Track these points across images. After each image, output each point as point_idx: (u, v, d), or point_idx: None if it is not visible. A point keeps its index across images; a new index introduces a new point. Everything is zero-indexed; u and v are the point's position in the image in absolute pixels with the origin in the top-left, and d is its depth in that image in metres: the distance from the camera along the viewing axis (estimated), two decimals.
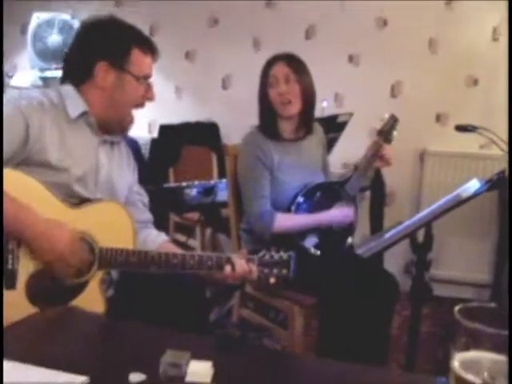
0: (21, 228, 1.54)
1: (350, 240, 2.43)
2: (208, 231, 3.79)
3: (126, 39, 1.75)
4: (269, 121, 2.36)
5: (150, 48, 1.79)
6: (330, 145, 3.25)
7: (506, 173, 1.93)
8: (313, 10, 3.93)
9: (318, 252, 2.31)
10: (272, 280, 1.71)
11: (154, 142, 4.11)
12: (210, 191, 3.08)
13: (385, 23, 3.83)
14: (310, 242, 2.32)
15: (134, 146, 3.98)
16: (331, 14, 3.89)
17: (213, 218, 3.45)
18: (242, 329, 1.29)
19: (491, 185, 1.83)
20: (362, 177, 2.37)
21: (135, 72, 1.74)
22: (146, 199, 1.97)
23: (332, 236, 2.38)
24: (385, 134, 2.31)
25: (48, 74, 4.37)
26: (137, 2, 4.33)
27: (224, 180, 2.85)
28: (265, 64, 2.36)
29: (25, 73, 4.44)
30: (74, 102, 1.73)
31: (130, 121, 1.82)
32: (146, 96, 1.80)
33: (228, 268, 1.68)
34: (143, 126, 4.33)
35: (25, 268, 1.57)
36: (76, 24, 4.36)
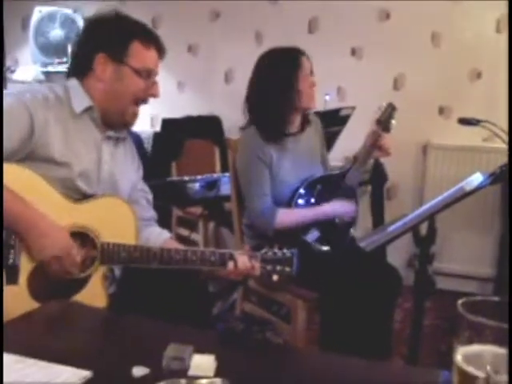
0: (23, 224, 1.54)
1: (352, 231, 2.42)
2: (211, 225, 3.80)
3: (126, 31, 1.75)
4: (281, 116, 2.31)
5: (152, 42, 1.77)
6: (332, 138, 3.25)
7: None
8: (315, 4, 3.92)
9: (321, 247, 2.31)
10: (275, 277, 1.71)
11: (157, 136, 4.11)
12: (212, 185, 3.08)
13: (387, 16, 3.82)
14: (312, 237, 2.31)
15: (136, 140, 3.98)
16: (333, 7, 3.87)
17: (216, 212, 3.45)
18: (245, 322, 1.29)
19: (494, 178, 1.82)
20: (362, 167, 2.36)
21: (134, 64, 1.73)
22: (150, 197, 1.96)
23: (334, 230, 2.38)
24: (383, 123, 2.27)
25: (50, 68, 4.37)
26: None
27: (227, 174, 2.84)
28: (287, 55, 2.29)
29: (27, 67, 4.44)
30: (79, 96, 1.73)
31: (133, 115, 1.80)
32: (150, 92, 1.78)
33: (231, 264, 1.68)
34: (145, 120, 4.32)
35: (27, 263, 1.58)
36: (78, 18, 4.36)
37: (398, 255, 3.43)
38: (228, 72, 4.24)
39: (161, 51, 1.80)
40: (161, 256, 1.66)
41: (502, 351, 0.74)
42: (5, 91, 1.72)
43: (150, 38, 1.77)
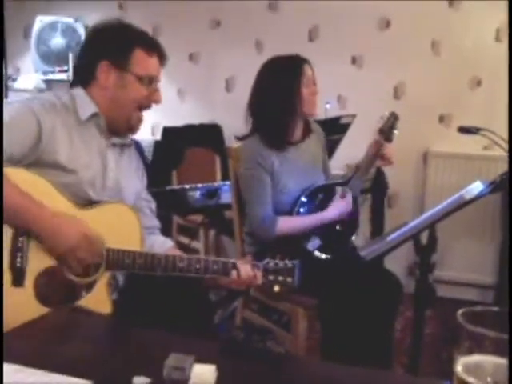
0: (33, 221, 1.55)
1: (353, 238, 2.42)
2: (211, 233, 3.80)
3: (128, 39, 1.77)
4: (283, 123, 2.32)
5: (154, 49, 1.79)
6: (333, 146, 3.26)
7: None
8: (316, 12, 3.93)
9: (322, 255, 2.31)
10: (276, 288, 1.71)
11: (158, 145, 4.11)
12: (213, 193, 3.08)
13: (388, 25, 3.83)
14: (314, 245, 2.31)
15: (137, 148, 3.99)
16: (334, 15, 3.89)
17: (216, 220, 3.45)
18: (245, 332, 1.29)
19: (494, 187, 1.82)
20: (364, 176, 2.37)
21: (137, 71, 1.75)
22: (153, 206, 1.98)
23: (335, 238, 2.38)
24: (385, 132, 2.28)
25: (51, 76, 4.38)
26: (140, 4, 4.34)
27: (227, 182, 2.84)
28: (289, 63, 2.31)
29: (28, 76, 4.46)
30: (85, 103, 1.76)
31: (138, 120, 1.82)
32: (152, 98, 1.80)
33: (234, 273, 1.68)
34: (146, 128, 4.33)
35: (33, 266, 1.58)
36: (79, 27, 4.38)
37: (398, 263, 3.43)
38: (229, 80, 4.25)
39: (162, 58, 1.82)
40: (165, 263, 1.66)
41: (503, 362, 0.74)
42: (13, 99, 1.75)
43: (152, 46, 1.79)
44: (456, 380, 0.79)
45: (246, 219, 2.39)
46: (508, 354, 0.73)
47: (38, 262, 1.59)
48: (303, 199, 2.33)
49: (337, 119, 3.26)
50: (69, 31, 4.39)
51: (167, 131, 4.04)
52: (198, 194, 3.06)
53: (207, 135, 4.12)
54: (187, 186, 3.11)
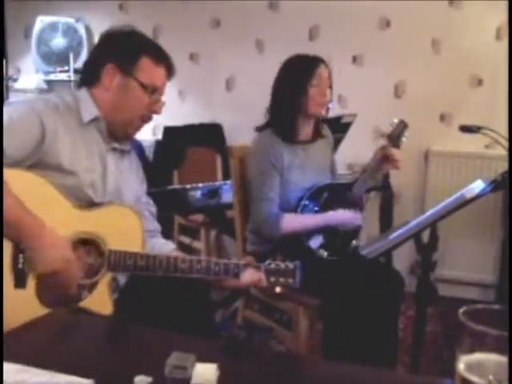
0: (24, 233, 1.53)
1: (354, 243, 2.43)
2: (212, 233, 3.80)
3: (138, 46, 1.77)
4: (291, 120, 2.34)
5: (162, 60, 1.79)
6: (334, 146, 3.26)
7: None
8: (316, 11, 3.93)
9: (324, 253, 2.31)
10: (278, 289, 1.71)
11: (159, 144, 4.12)
12: (214, 193, 3.08)
13: (388, 24, 3.83)
14: (316, 242, 2.31)
15: (138, 148, 4.00)
16: (334, 14, 3.89)
17: (217, 220, 3.45)
18: (247, 331, 1.29)
19: (495, 185, 1.82)
20: (369, 180, 2.39)
21: (142, 79, 1.74)
22: (153, 209, 1.98)
23: (337, 238, 2.38)
24: (394, 139, 2.31)
25: (52, 77, 4.39)
26: (140, 5, 4.34)
27: (229, 182, 2.85)
28: (303, 62, 2.33)
29: (29, 76, 4.46)
30: (88, 106, 1.76)
31: (136, 128, 1.83)
32: (152, 108, 1.80)
33: (237, 276, 1.69)
34: (147, 128, 4.31)
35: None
36: (80, 27, 4.38)
37: (399, 262, 3.43)
38: (229, 80, 4.25)
39: (170, 70, 1.82)
40: (166, 264, 1.67)
41: (505, 359, 0.74)
42: (15, 99, 1.75)
43: (160, 56, 1.79)
44: (458, 378, 0.79)
45: (251, 216, 2.40)
46: (508, 352, 0.73)
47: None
48: (308, 197, 2.33)
49: (338, 119, 3.25)
50: (70, 31, 4.39)
51: (168, 131, 4.04)
52: (199, 193, 3.07)
53: (208, 135, 4.13)
54: (188, 186, 3.11)
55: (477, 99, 3.69)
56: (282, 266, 1.71)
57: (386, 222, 3.41)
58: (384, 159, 2.31)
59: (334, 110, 3.58)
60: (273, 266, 1.71)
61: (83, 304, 1.63)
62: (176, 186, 3.65)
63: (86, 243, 1.67)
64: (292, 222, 2.28)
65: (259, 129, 2.41)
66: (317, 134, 2.46)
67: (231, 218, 2.74)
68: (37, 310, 1.51)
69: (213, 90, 4.30)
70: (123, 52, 1.75)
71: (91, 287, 1.65)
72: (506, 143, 2.72)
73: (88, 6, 4.47)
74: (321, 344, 2.24)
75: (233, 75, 4.24)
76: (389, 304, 2.26)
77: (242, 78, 4.18)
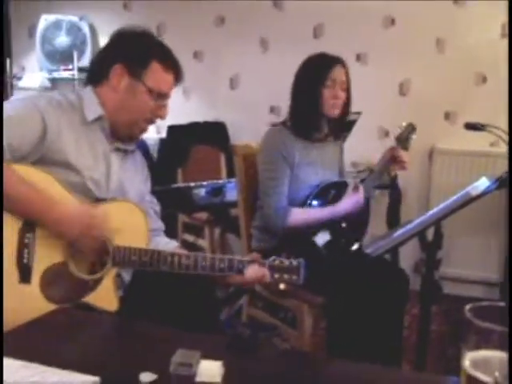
0: (38, 210, 1.57)
1: (356, 245, 2.42)
2: (217, 231, 3.80)
3: (149, 50, 1.76)
4: (306, 119, 2.36)
5: (171, 67, 1.78)
6: None
7: None
8: (320, 10, 3.93)
9: (329, 250, 2.31)
10: (282, 286, 1.71)
11: (163, 143, 4.12)
12: (218, 191, 3.08)
13: (392, 22, 3.83)
14: (322, 239, 2.32)
15: (142, 146, 4.00)
16: (339, 13, 3.89)
17: (221, 218, 3.46)
18: (251, 328, 1.29)
19: (500, 183, 1.82)
20: (377, 179, 2.40)
21: (149, 84, 1.74)
22: (157, 208, 1.98)
23: (343, 233, 2.38)
24: (402, 141, 2.34)
25: (56, 75, 4.40)
26: (144, 3, 4.35)
27: (233, 180, 2.85)
28: (319, 63, 2.34)
29: (33, 75, 4.47)
30: (92, 105, 1.75)
31: (140, 130, 1.83)
32: (157, 113, 1.80)
33: (241, 272, 1.69)
34: (151, 126, 4.33)
35: (40, 263, 1.59)
36: (83, 25, 4.39)
37: (404, 260, 3.43)
38: (233, 78, 4.25)
39: (178, 77, 1.82)
40: (171, 261, 1.67)
41: None
42: (19, 96, 1.75)
43: (170, 62, 1.78)
44: (463, 375, 0.79)
45: (258, 211, 2.40)
46: (508, 349, 0.73)
47: (44, 258, 1.59)
48: (315, 193, 2.34)
49: None
50: (73, 30, 4.39)
51: (172, 129, 4.05)
52: (203, 191, 3.07)
53: (212, 133, 4.13)
54: (192, 184, 3.11)
55: (481, 97, 3.68)
56: (287, 262, 1.71)
57: (394, 222, 3.40)
58: (392, 160, 2.34)
59: None
60: (277, 262, 1.71)
61: (88, 300, 1.63)
62: (180, 184, 3.65)
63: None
64: (299, 216, 2.28)
65: (275, 125, 2.44)
66: (330, 134, 2.46)
67: (235, 216, 2.75)
68: (42, 305, 1.52)
69: (217, 88, 4.30)
70: (134, 54, 1.75)
71: (96, 283, 1.65)
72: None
73: (92, 5, 4.47)
74: (325, 342, 2.24)
75: (237, 74, 4.24)
76: (394, 302, 2.26)
77: (246, 76, 4.18)
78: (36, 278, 1.58)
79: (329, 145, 2.49)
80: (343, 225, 2.38)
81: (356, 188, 2.34)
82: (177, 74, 1.81)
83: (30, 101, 1.69)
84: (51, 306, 1.52)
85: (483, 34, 3.64)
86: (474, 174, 3.23)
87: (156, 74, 1.75)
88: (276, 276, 1.71)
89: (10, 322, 1.33)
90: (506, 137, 2.70)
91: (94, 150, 1.75)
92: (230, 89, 4.27)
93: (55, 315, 1.45)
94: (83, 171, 1.69)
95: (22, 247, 1.57)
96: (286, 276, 1.71)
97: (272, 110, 3.97)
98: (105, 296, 1.65)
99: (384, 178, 2.45)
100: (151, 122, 1.82)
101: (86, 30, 4.39)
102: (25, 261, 1.57)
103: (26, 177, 1.57)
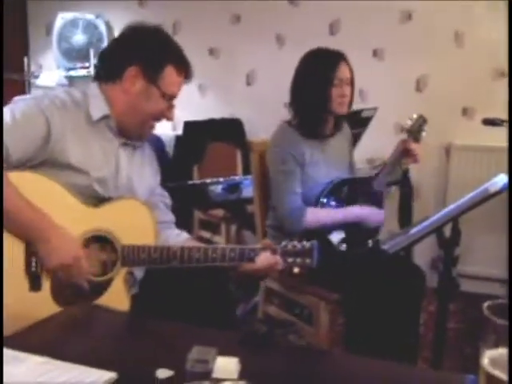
0: (31, 234, 1.55)
1: (370, 242, 2.42)
2: (233, 228, 3.80)
3: (165, 54, 1.74)
4: (316, 117, 2.34)
5: (185, 69, 1.78)
6: (354, 140, 3.23)
7: None
8: (336, 5, 3.91)
9: (344, 247, 2.30)
10: (296, 270, 1.70)
11: (179, 139, 4.13)
12: (234, 188, 3.08)
13: (409, 17, 3.80)
14: (337, 236, 2.31)
15: (157, 143, 4.02)
16: (355, 8, 3.86)
17: (238, 215, 3.46)
18: (267, 325, 1.29)
19: None
20: (390, 174, 2.38)
21: (164, 88, 1.73)
22: (168, 201, 1.97)
23: (359, 231, 2.37)
24: (413, 133, 2.32)
25: (73, 73, 4.43)
26: (160, 1, 4.35)
27: (249, 176, 2.84)
28: (324, 61, 2.31)
29: (50, 72, 4.50)
30: (98, 103, 1.73)
31: (150, 129, 1.83)
32: (166, 114, 1.79)
33: (252, 260, 1.68)
34: (167, 123, 4.34)
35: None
36: (100, 23, 4.41)
37: (421, 257, 3.40)
38: (249, 74, 4.25)
39: (188, 77, 1.81)
40: (181, 255, 1.66)
41: None
42: (23, 96, 1.73)
43: (183, 65, 1.77)
44: (482, 373, 0.78)
45: (272, 211, 2.40)
46: (508, 347, 0.72)
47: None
48: (328, 191, 2.33)
49: (358, 112, 3.23)
50: (90, 28, 4.42)
51: (188, 126, 4.05)
52: (219, 188, 3.07)
53: (228, 129, 4.13)
54: (208, 181, 3.11)
55: (499, 92, 3.63)
56: (299, 246, 1.69)
57: (406, 217, 3.38)
58: (404, 153, 2.32)
59: (355, 104, 3.58)
60: (289, 246, 1.70)
61: (100, 301, 1.62)
62: (196, 180, 3.66)
63: (99, 240, 1.67)
64: (315, 216, 2.27)
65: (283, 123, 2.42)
66: (335, 129, 2.45)
67: (251, 212, 2.74)
68: (53, 311, 1.50)
69: (233, 84, 4.30)
70: (150, 58, 1.72)
71: (106, 284, 1.65)
72: None
73: (108, 2, 4.50)
74: (342, 338, 2.24)
75: (253, 70, 4.23)
76: (410, 299, 2.25)
77: (262, 73, 4.18)
78: (46, 284, 1.58)
79: (336, 140, 2.46)
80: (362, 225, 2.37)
81: (377, 203, 2.33)
82: (188, 75, 1.80)
83: (34, 102, 1.66)
84: None
85: (502, 28, 3.59)
86: (492, 171, 3.20)
87: (170, 78, 1.74)
88: (289, 260, 1.70)
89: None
90: None
91: (102, 148, 1.73)
92: (246, 85, 4.27)
93: (71, 312, 1.46)
94: (90, 172, 1.68)
95: (30, 255, 1.57)
96: (299, 260, 1.69)
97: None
98: (116, 296, 1.65)
99: (397, 172, 2.44)
100: (159, 121, 1.82)
101: (102, 27, 4.41)
102: (33, 269, 1.57)
103: (28, 184, 1.55)
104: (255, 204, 2.54)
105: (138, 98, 1.73)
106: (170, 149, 4.14)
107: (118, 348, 1.25)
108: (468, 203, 1.75)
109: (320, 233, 2.28)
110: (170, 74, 1.74)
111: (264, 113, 3.99)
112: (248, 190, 2.93)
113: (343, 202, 2.35)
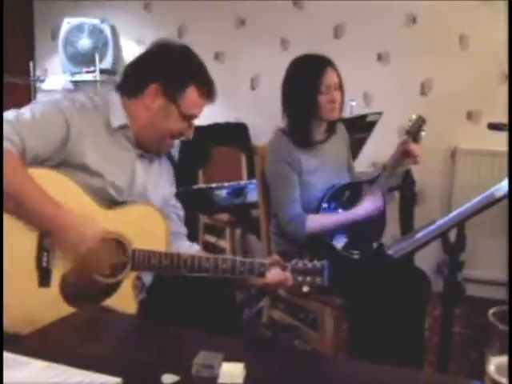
0: (51, 220, 1.56)
1: (375, 244, 2.41)
2: (238, 232, 3.80)
3: (189, 73, 1.75)
4: (306, 125, 2.34)
5: (208, 92, 1.78)
6: (359, 145, 3.24)
7: None
8: (341, 9, 3.91)
9: (349, 252, 2.30)
10: (305, 289, 1.70)
11: (184, 144, 4.12)
12: (239, 192, 3.08)
13: (414, 20, 3.79)
14: (340, 242, 2.30)
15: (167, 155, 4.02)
16: (359, 12, 3.86)
17: (243, 219, 3.45)
18: (272, 330, 1.29)
19: None
20: (390, 176, 2.37)
21: (184, 108, 1.74)
22: (181, 213, 1.97)
23: (362, 235, 2.37)
24: (413, 134, 2.31)
25: (78, 77, 4.44)
26: (165, 4, 4.36)
27: (254, 181, 2.84)
28: (308, 69, 2.31)
29: (56, 77, 4.52)
30: (118, 112, 1.75)
31: (169, 147, 1.85)
32: (184, 133, 1.80)
33: (263, 275, 1.68)
34: None
35: (59, 266, 1.60)
36: (105, 28, 4.43)
37: (426, 262, 3.39)
38: (254, 79, 4.26)
39: (211, 98, 1.81)
40: (191, 263, 1.66)
41: None
42: (43, 98, 1.74)
43: (206, 86, 1.78)
44: (488, 380, 0.78)
45: (275, 218, 2.39)
46: (508, 349, 0.72)
47: (64, 261, 1.60)
48: (328, 198, 2.32)
49: (363, 117, 3.24)
50: (95, 32, 4.44)
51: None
52: (224, 192, 3.07)
53: (233, 134, 4.13)
54: (213, 185, 3.11)
55: (505, 96, 3.62)
56: (309, 265, 1.70)
57: (408, 221, 3.37)
58: (404, 154, 2.31)
59: (359, 109, 3.58)
60: (300, 265, 1.70)
61: (107, 303, 1.63)
62: (201, 185, 3.66)
63: (111, 242, 1.67)
64: (316, 222, 2.26)
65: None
66: (329, 133, 2.44)
67: (256, 217, 2.74)
68: (62, 308, 1.52)
69: (238, 89, 4.30)
70: (173, 76, 1.73)
71: (115, 286, 1.65)
72: None
73: (113, 7, 4.51)
74: (347, 344, 2.23)
75: (258, 74, 4.24)
76: (415, 304, 2.24)
77: (266, 76, 4.18)
78: (55, 281, 1.59)
79: (332, 144, 2.45)
80: (360, 226, 2.36)
81: (372, 192, 2.32)
82: (211, 96, 1.80)
83: (53, 103, 1.68)
84: (71, 310, 1.53)
85: (506, 31, 3.58)
86: (498, 175, 3.20)
87: (192, 99, 1.74)
88: (299, 279, 1.70)
89: (30, 326, 1.34)
90: None
91: (118, 155, 1.74)
92: (250, 89, 4.27)
93: (77, 316, 1.46)
94: (105, 176, 1.69)
95: (42, 251, 1.58)
96: (309, 278, 1.70)
97: None
98: (124, 299, 1.65)
99: (397, 173, 2.43)
100: (178, 138, 1.83)
101: (107, 32, 4.42)
102: (44, 264, 1.58)
103: (47, 181, 1.57)
104: (260, 209, 2.54)
105: (158, 115, 1.74)
106: (175, 153, 4.14)
107: (124, 352, 1.26)
108: (474, 208, 1.75)
109: (322, 239, 2.28)
110: (191, 94, 1.74)
111: (269, 117, 3.97)
112: (253, 195, 2.93)
113: (345, 207, 2.34)
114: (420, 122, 2.33)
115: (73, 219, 1.57)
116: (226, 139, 4.00)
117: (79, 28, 4.43)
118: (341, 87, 2.33)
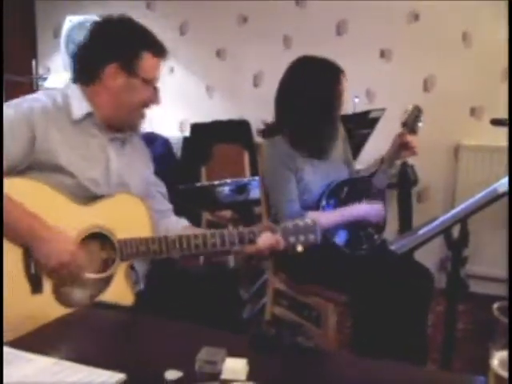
0: (27, 232, 1.55)
1: (376, 238, 2.40)
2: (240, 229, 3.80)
3: (138, 42, 1.74)
4: (312, 129, 2.31)
5: (160, 51, 1.77)
6: (361, 141, 3.23)
7: None
8: (343, 6, 3.90)
9: (350, 249, 2.29)
10: (299, 248, 1.69)
11: (186, 141, 4.14)
12: (242, 189, 3.08)
13: (416, 17, 3.79)
14: (341, 238, 2.30)
15: (165, 145, 4.03)
16: (362, 9, 3.86)
17: (245, 216, 3.45)
18: (275, 327, 1.28)
19: None
20: (389, 169, 2.37)
21: (144, 75, 1.73)
22: (163, 190, 1.96)
23: (362, 232, 2.36)
24: (409, 125, 2.30)
25: None
26: (167, 2, 4.36)
27: (256, 178, 2.84)
28: (324, 78, 2.28)
29: (58, 75, 4.52)
30: (79, 103, 1.73)
31: (141, 117, 1.82)
32: (153, 99, 1.79)
33: (253, 242, 1.67)
34: (174, 124, 4.36)
35: None
36: None
37: (429, 258, 3.39)
38: (256, 76, 4.25)
39: (165, 56, 1.79)
40: (180, 243, 1.65)
41: None
42: (4, 103, 1.72)
43: (158, 48, 1.77)
44: (492, 375, 0.78)
45: (273, 216, 2.38)
46: (508, 346, 0.72)
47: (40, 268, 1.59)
48: (328, 194, 2.32)
49: (366, 113, 3.23)
50: None
51: (195, 127, 4.06)
52: (227, 189, 3.07)
53: (235, 131, 4.13)
54: (216, 182, 3.11)
55: (508, 92, 3.61)
56: (300, 223, 1.68)
57: (407, 215, 3.36)
58: (402, 146, 2.31)
59: (362, 105, 3.57)
60: (290, 225, 1.69)
61: (103, 297, 1.63)
62: (204, 182, 3.66)
63: (97, 238, 1.67)
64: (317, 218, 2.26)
65: (269, 134, 2.39)
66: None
67: (259, 213, 2.74)
68: (58, 312, 1.50)
69: (240, 86, 4.30)
70: (126, 50, 1.72)
71: (109, 279, 1.65)
72: None
73: (115, 5, 4.50)
74: (350, 340, 2.23)
75: (260, 71, 4.23)
76: (418, 300, 2.24)
77: (269, 74, 4.17)
78: (47, 286, 1.58)
79: None
80: (361, 223, 2.36)
81: (378, 201, 2.32)
82: (164, 54, 1.78)
83: (15, 108, 1.65)
84: (68, 311, 1.52)
85: (507, 31, 3.57)
86: (501, 171, 3.19)
87: (149, 63, 1.74)
88: (291, 240, 1.69)
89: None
90: None
91: (89, 146, 1.73)
92: (253, 86, 4.27)
93: (78, 314, 1.46)
94: (80, 171, 1.67)
95: (28, 258, 1.57)
96: (302, 237, 1.69)
97: None
98: (119, 292, 1.65)
99: (395, 165, 2.42)
100: (148, 107, 1.80)
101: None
102: (32, 271, 1.57)
103: (18, 189, 1.55)
104: (262, 205, 2.54)
105: (122, 93, 1.73)
106: (177, 150, 4.14)
107: (127, 349, 1.25)
108: (477, 204, 1.74)
109: (324, 236, 2.27)
110: (147, 60, 1.74)
111: (271, 114, 3.98)
112: (255, 192, 2.93)
113: (344, 204, 2.33)
114: (416, 113, 2.31)
115: (47, 233, 1.56)
116: (228, 136, 4.00)
117: (81, 26, 4.42)
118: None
